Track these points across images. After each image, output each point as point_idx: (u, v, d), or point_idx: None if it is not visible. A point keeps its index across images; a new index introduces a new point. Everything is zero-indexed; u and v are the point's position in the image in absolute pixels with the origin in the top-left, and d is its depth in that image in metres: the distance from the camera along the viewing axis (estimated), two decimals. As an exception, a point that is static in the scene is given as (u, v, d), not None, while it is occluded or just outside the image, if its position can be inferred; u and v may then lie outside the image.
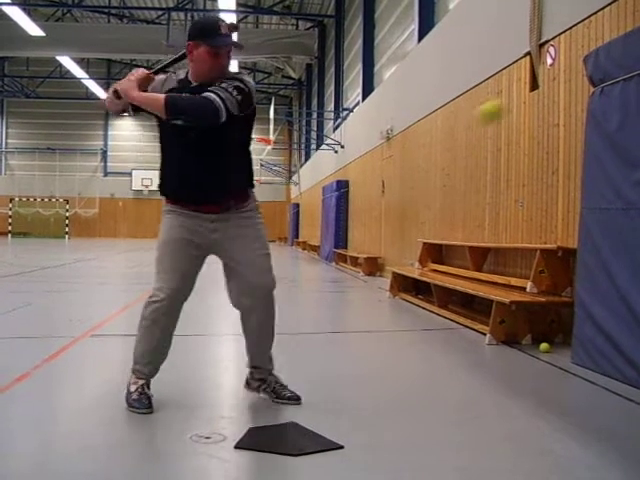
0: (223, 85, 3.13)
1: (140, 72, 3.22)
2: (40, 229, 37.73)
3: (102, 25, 26.04)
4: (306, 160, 30.43)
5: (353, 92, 19.87)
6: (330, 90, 24.28)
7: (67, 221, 38.62)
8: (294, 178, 30.23)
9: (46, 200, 38.46)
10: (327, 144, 20.92)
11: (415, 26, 11.97)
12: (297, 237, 30.57)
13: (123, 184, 38.84)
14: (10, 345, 5.08)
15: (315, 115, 28.17)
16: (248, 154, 3.45)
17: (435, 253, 9.08)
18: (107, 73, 35.92)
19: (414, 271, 8.85)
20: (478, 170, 7.96)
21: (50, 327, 6.13)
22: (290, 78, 30.37)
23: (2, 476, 2.44)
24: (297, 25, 25.25)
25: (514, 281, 6.20)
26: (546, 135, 6.17)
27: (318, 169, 24.32)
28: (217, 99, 3.06)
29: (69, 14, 26.22)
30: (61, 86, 33.39)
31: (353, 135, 17.37)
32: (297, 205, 31.10)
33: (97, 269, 14.47)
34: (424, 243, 9.26)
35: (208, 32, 3.22)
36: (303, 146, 31.26)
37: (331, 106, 23.71)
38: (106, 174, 39.84)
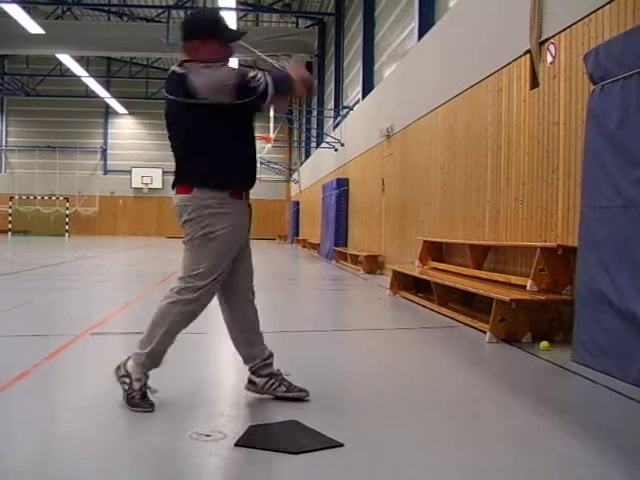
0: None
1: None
2: (40, 227, 37.73)
3: (102, 23, 26.02)
4: (306, 158, 30.42)
5: (353, 90, 19.85)
6: (330, 88, 24.27)
7: (67, 219, 38.64)
8: (294, 176, 30.23)
9: (46, 198, 38.46)
10: (327, 142, 20.91)
11: (415, 24, 11.96)
12: (297, 235, 30.56)
13: (123, 182, 38.85)
14: (10, 343, 5.08)
15: (315, 113, 28.17)
16: None
17: (435, 251, 9.08)
18: (107, 71, 35.93)
19: (414, 269, 8.85)
20: (478, 168, 7.95)
21: (50, 325, 6.14)
22: (290, 76, 30.28)
23: (2, 475, 2.44)
24: (297, 23, 25.22)
25: (514, 279, 6.20)
26: (546, 133, 6.17)
27: (318, 167, 24.32)
28: None
29: (69, 12, 26.16)
30: (61, 84, 33.37)
31: (353, 133, 17.36)
32: (297, 203, 31.09)
33: (97, 267, 14.46)
34: (424, 241, 9.26)
35: (215, 28, 3.27)
36: (303, 144, 31.26)
37: (331, 104, 23.71)
38: (106, 172, 39.84)
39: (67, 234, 37.87)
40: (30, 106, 37.34)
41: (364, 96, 16.86)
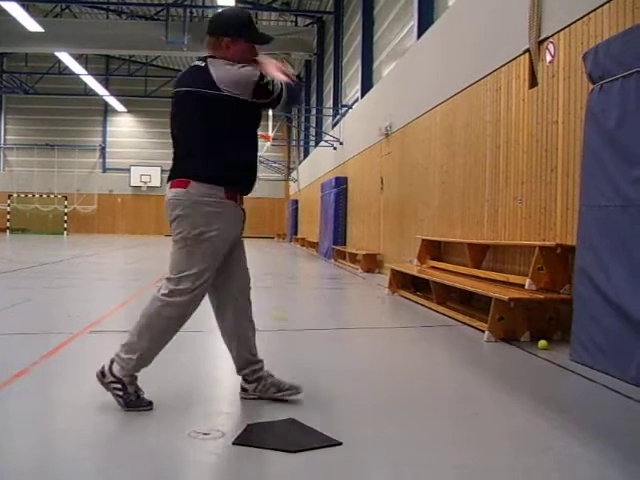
0: None
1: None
2: (39, 225, 37.70)
3: (101, 21, 25.99)
4: (305, 157, 30.41)
5: (352, 89, 19.85)
6: (329, 87, 24.27)
7: (66, 217, 38.60)
8: (293, 175, 30.23)
9: (45, 196, 38.42)
10: (326, 141, 20.92)
11: (414, 22, 11.96)
12: (296, 234, 30.57)
13: (122, 180, 38.84)
14: (9, 341, 5.08)
15: (314, 112, 28.16)
16: None
17: (434, 250, 9.08)
18: (106, 69, 35.89)
19: (413, 268, 8.85)
20: (477, 167, 7.95)
21: (49, 323, 6.13)
22: (289, 75, 30.28)
23: (0, 473, 2.44)
24: (296, 22, 25.19)
25: (513, 278, 6.21)
26: (545, 132, 6.17)
27: (317, 166, 24.31)
28: None
29: (68, 10, 26.13)
30: (60, 82, 33.33)
31: (352, 132, 17.36)
32: (296, 202, 31.09)
33: (96, 265, 14.46)
34: (423, 240, 9.26)
35: (245, 27, 3.28)
36: (302, 143, 31.25)
37: (330, 103, 23.70)
38: (105, 170, 39.81)
39: (65, 232, 37.83)
40: (29, 104, 37.30)
41: (363, 95, 16.86)
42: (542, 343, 5.13)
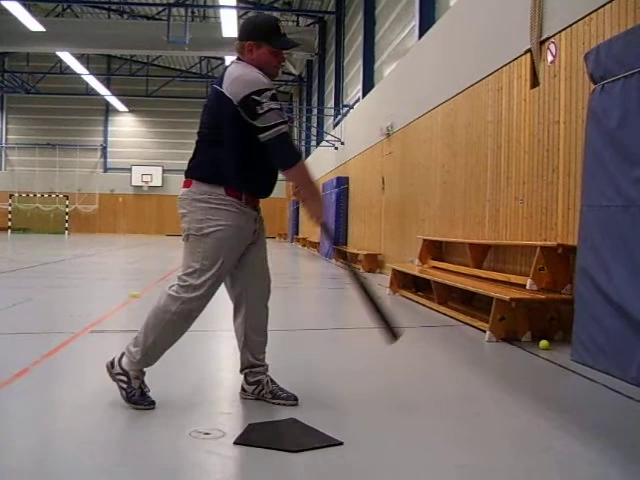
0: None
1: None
2: (40, 225, 37.71)
3: (102, 21, 26.02)
4: (306, 156, 30.41)
5: (353, 89, 19.84)
6: (330, 86, 24.26)
7: (67, 217, 38.61)
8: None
9: (46, 196, 38.43)
10: (327, 141, 20.91)
11: (416, 23, 11.95)
12: (297, 234, 30.56)
13: (123, 180, 38.82)
14: (10, 340, 5.08)
15: (315, 111, 28.16)
16: None
17: (435, 250, 9.08)
18: (107, 69, 35.90)
19: (414, 268, 8.85)
20: (478, 167, 7.95)
21: (50, 323, 6.14)
22: (290, 74, 30.35)
23: (1, 472, 2.44)
24: (297, 22, 25.20)
25: (514, 278, 6.20)
26: (546, 132, 6.17)
27: (318, 166, 24.29)
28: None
29: (69, 9, 26.15)
30: (61, 82, 33.38)
31: (353, 132, 17.36)
32: (297, 202, 31.07)
33: (97, 265, 14.46)
34: (424, 240, 9.25)
35: (271, 32, 3.26)
36: (303, 142, 31.23)
37: (331, 102, 23.70)
38: (106, 170, 39.81)
39: (67, 232, 37.85)
40: (30, 104, 37.30)
41: (364, 95, 16.85)
42: (543, 343, 5.13)
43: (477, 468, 2.62)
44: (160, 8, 22.88)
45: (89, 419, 3.10)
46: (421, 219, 10.38)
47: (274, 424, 3.05)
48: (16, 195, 38.27)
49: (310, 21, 25.69)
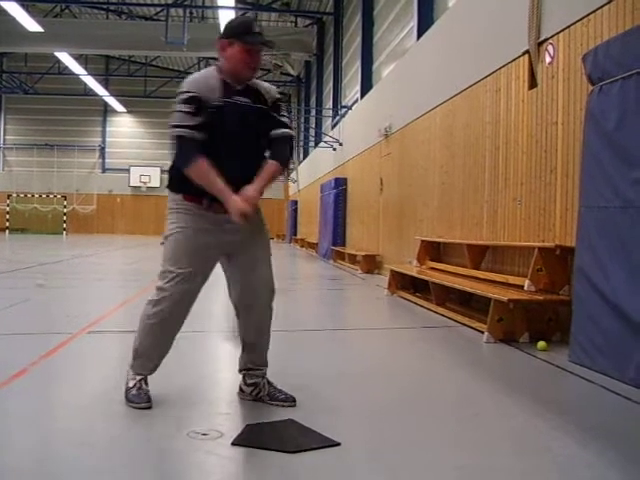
0: (284, 109, 3.39)
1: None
2: (38, 225, 37.67)
3: (101, 21, 25.98)
4: (304, 157, 30.41)
5: (352, 89, 19.85)
6: (329, 87, 24.26)
7: (65, 217, 38.58)
8: (292, 175, 30.23)
9: (44, 196, 38.40)
10: (325, 141, 20.91)
11: (414, 23, 11.96)
12: (295, 234, 30.56)
13: (121, 180, 38.82)
14: (7, 341, 5.07)
15: (314, 112, 28.16)
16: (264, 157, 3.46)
17: (433, 251, 9.08)
18: (105, 69, 35.89)
19: (412, 269, 8.85)
20: (476, 168, 7.96)
21: (48, 323, 6.13)
22: (289, 75, 30.34)
23: (0, 472, 2.43)
24: (296, 22, 25.19)
25: (512, 279, 6.20)
26: (544, 133, 6.17)
27: (316, 166, 24.31)
28: (291, 127, 3.34)
29: (67, 10, 26.12)
30: (59, 82, 33.32)
31: (351, 132, 17.36)
32: (295, 202, 31.09)
33: (95, 265, 14.45)
34: (422, 241, 9.26)
35: (242, 30, 3.26)
36: (301, 143, 31.23)
37: (330, 103, 23.70)
38: (104, 170, 39.80)
39: (65, 232, 37.81)
40: (28, 104, 37.27)
41: (362, 95, 16.86)
42: (541, 344, 5.13)
43: (476, 469, 2.62)
44: (158, 9, 22.84)
45: (87, 419, 3.10)
46: (419, 220, 10.38)
47: (272, 425, 3.05)
48: (14, 195, 38.23)
49: (308, 22, 25.68)
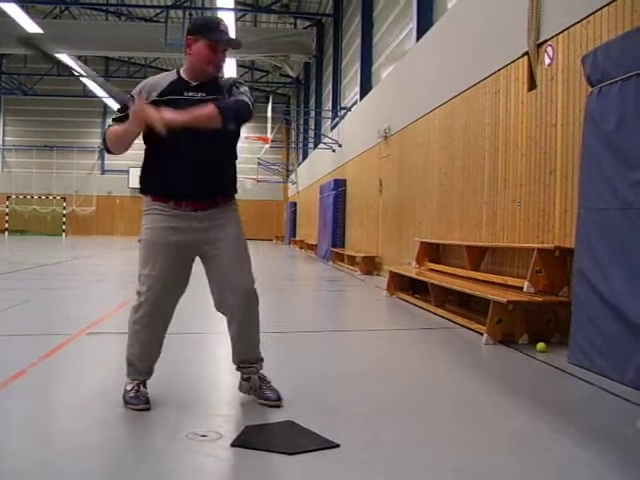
0: (243, 89, 3.27)
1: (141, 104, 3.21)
2: (37, 227, 37.69)
3: (100, 23, 26.02)
4: (304, 159, 30.42)
5: (351, 91, 19.86)
6: (328, 89, 24.27)
7: (64, 219, 38.60)
8: (292, 177, 30.24)
9: (43, 198, 38.42)
10: (325, 143, 20.92)
11: (413, 25, 11.97)
12: (294, 236, 30.56)
13: (120, 182, 38.79)
14: (6, 342, 5.07)
15: (313, 114, 28.17)
16: (236, 155, 3.49)
17: (432, 252, 9.08)
18: (105, 71, 35.86)
19: (411, 270, 8.85)
20: (476, 169, 7.96)
21: (47, 324, 6.12)
22: (288, 77, 30.37)
23: (-2, 473, 2.43)
24: (295, 24, 25.23)
25: (511, 281, 6.20)
26: (544, 135, 6.17)
27: (316, 168, 24.32)
28: (249, 102, 3.21)
29: (67, 11, 26.18)
30: (59, 83, 33.35)
31: (351, 134, 17.36)
32: (294, 204, 31.09)
33: (94, 267, 14.44)
34: (421, 242, 9.26)
35: (207, 28, 3.27)
36: (301, 145, 31.26)
37: (329, 105, 23.70)
38: (103, 172, 39.81)
39: (64, 234, 37.82)
40: (28, 105, 37.30)
41: (362, 97, 16.86)
42: (540, 346, 5.13)
43: (475, 470, 2.61)
44: (158, 10, 22.90)
45: (86, 421, 3.10)
46: (418, 221, 10.38)
47: (271, 426, 3.04)
48: (13, 197, 38.25)
49: (308, 23, 25.70)
